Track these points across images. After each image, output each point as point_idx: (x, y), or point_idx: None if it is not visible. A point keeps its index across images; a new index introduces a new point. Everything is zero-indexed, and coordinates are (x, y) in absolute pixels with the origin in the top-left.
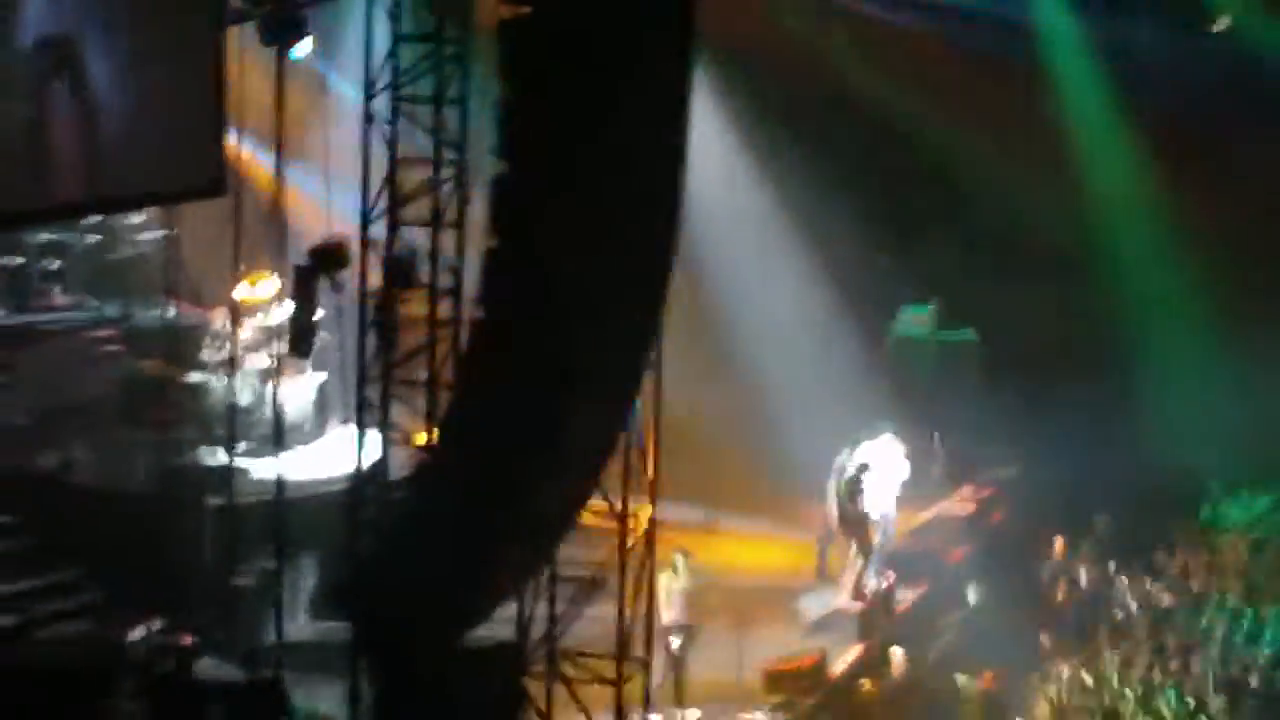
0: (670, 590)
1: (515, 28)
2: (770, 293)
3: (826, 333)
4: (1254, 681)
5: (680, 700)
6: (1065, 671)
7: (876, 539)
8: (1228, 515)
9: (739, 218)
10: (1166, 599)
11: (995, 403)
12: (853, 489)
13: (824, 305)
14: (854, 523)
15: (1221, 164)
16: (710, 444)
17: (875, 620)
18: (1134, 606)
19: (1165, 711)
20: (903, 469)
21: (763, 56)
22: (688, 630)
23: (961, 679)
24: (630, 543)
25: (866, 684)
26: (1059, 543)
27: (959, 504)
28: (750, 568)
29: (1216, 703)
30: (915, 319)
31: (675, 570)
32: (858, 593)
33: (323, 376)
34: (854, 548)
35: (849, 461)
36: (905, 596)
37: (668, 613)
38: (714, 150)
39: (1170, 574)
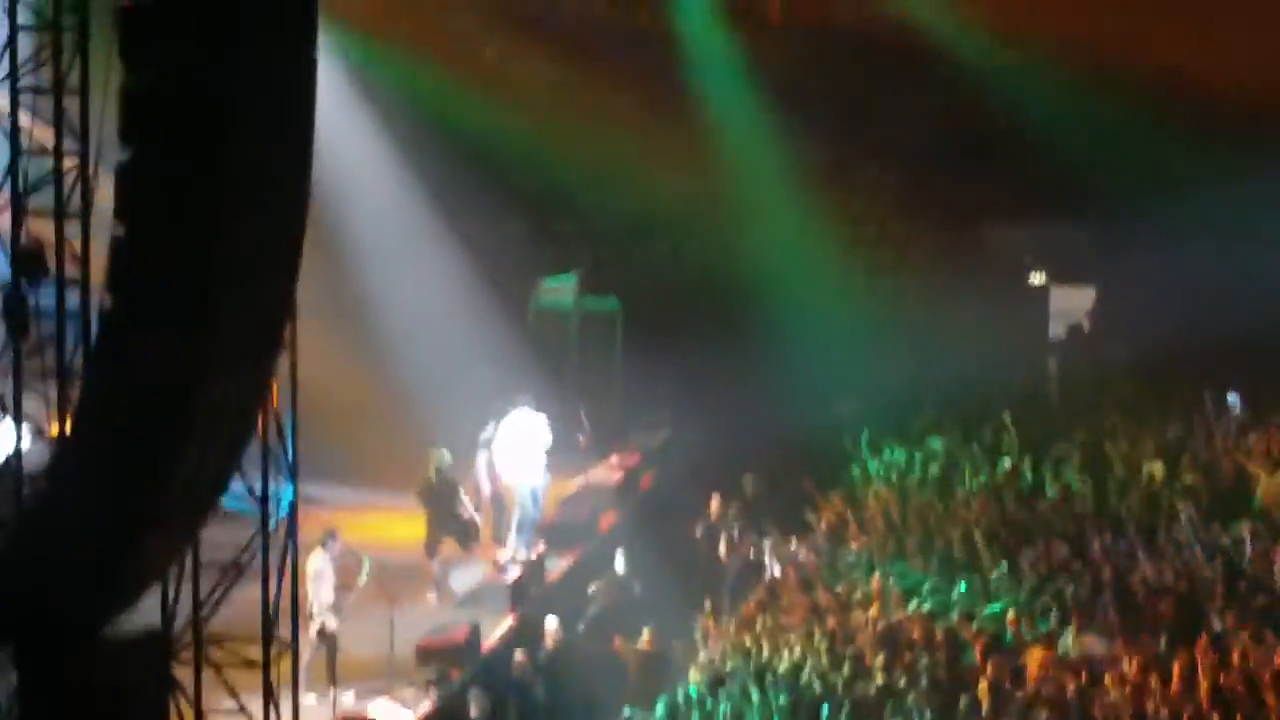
0: (318, 570)
1: (134, 14)
2: (412, 270)
3: (469, 307)
4: (915, 634)
5: (333, 680)
6: (718, 633)
7: (526, 509)
8: (873, 470)
9: (379, 199)
10: (812, 558)
11: (641, 369)
12: (490, 461)
13: (465, 280)
14: (496, 495)
15: (856, 116)
16: (357, 422)
17: (526, 590)
18: (777, 568)
19: (818, 671)
20: (544, 438)
21: (397, 37)
22: (337, 609)
23: (619, 641)
24: (272, 524)
25: (519, 654)
26: (714, 503)
27: (607, 471)
28: (399, 543)
29: (877, 659)
30: (557, 289)
31: (322, 549)
32: (504, 564)
33: None
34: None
35: (492, 434)
36: (556, 565)
37: (315, 592)
38: (350, 131)
39: (818, 532)
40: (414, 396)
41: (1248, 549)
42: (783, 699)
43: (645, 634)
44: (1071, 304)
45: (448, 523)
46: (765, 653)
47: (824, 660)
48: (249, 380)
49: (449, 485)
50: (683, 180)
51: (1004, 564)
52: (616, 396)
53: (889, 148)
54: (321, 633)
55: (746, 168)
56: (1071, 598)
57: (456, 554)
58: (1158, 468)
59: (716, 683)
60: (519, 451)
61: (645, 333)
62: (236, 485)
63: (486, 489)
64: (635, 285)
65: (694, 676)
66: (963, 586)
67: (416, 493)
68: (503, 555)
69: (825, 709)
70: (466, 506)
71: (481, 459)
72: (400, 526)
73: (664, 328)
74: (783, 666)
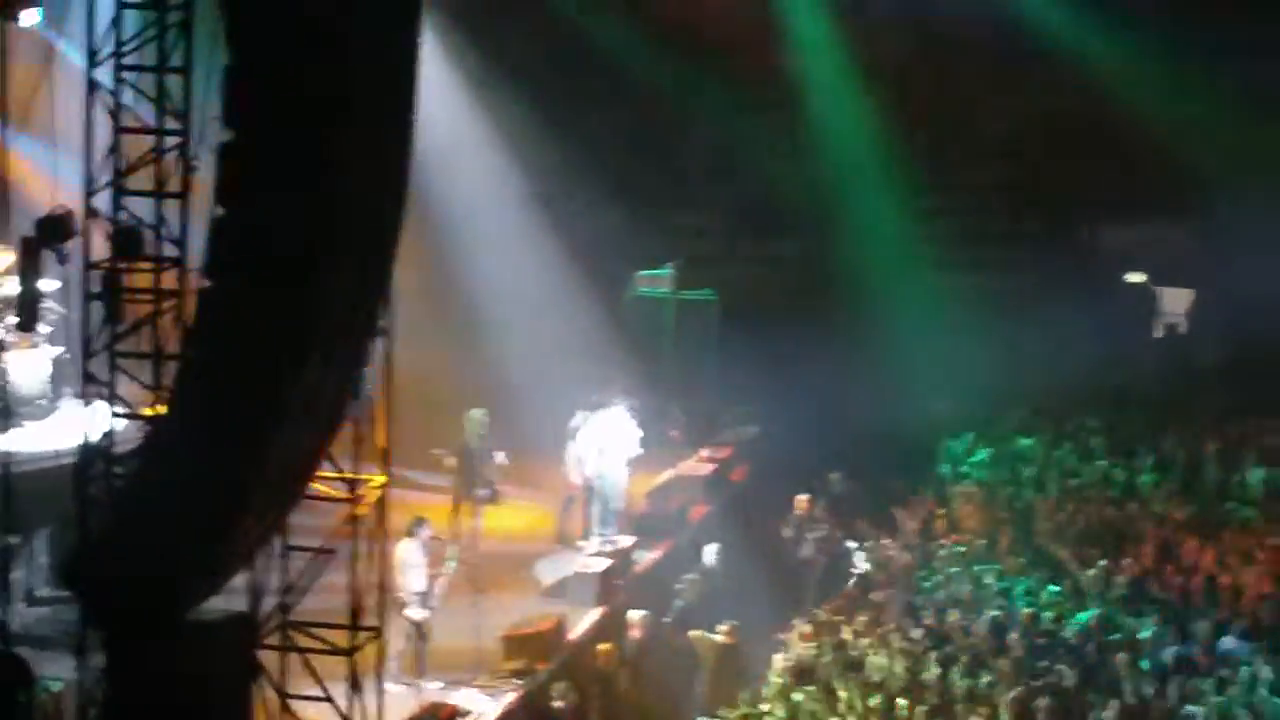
0: (406, 558)
1: None
2: (510, 258)
3: (566, 296)
4: (1014, 637)
5: (420, 669)
6: (807, 628)
7: (608, 502)
8: (963, 470)
9: (479, 184)
10: (904, 557)
11: (736, 362)
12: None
13: (562, 270)
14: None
15: (958, 114)
16: (451, 410)
17: (613, 582)
18: (867, 565)
19: (910, 669)
20: (632, 434)
21: (498, 20)
22: (426, 597)
23: (696, 634)
24: (362, 511)
25: (605, 647)
26: (802, 500)
27: (698, 464)
28: (490, 533)
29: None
30: (654, 280)
31: (411, 537)
32: (598, 549)
33: (58, 350)
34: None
35: (580, 424)
36: (644, 558)
37: (405, 580)
38: (452, 117)
39: (907, 531)
40: (510, 385)
41: None
42: (876, 698)
43: (724, 627)
44: (1169, 305)
45: (473, 484)
46: (854, 649)
47: (918, 659)
48: (344, 364)
49: (479, 447)
50: (785, 173)
51: (1095, 568)
52: (710, 389)
53: (993, 144)
54: (411, 622)
55: (848, 161)
56: (1163, 602)
57: (547, 546)
58: (1255, 475)
59: (802, 677)
60: (605, 446)
61: (741, 326)
62: (327, 469)
63: (576, 479)
64: (732, 278)
65: (776, 672)
66: (1054, 589)
67: (449, 450)
68: (588, 548)
69: (903, 704)
70: (495, 470)
71: (570, 449)
72: (490, 516)
73: (760, 321)
74: (877, 662)
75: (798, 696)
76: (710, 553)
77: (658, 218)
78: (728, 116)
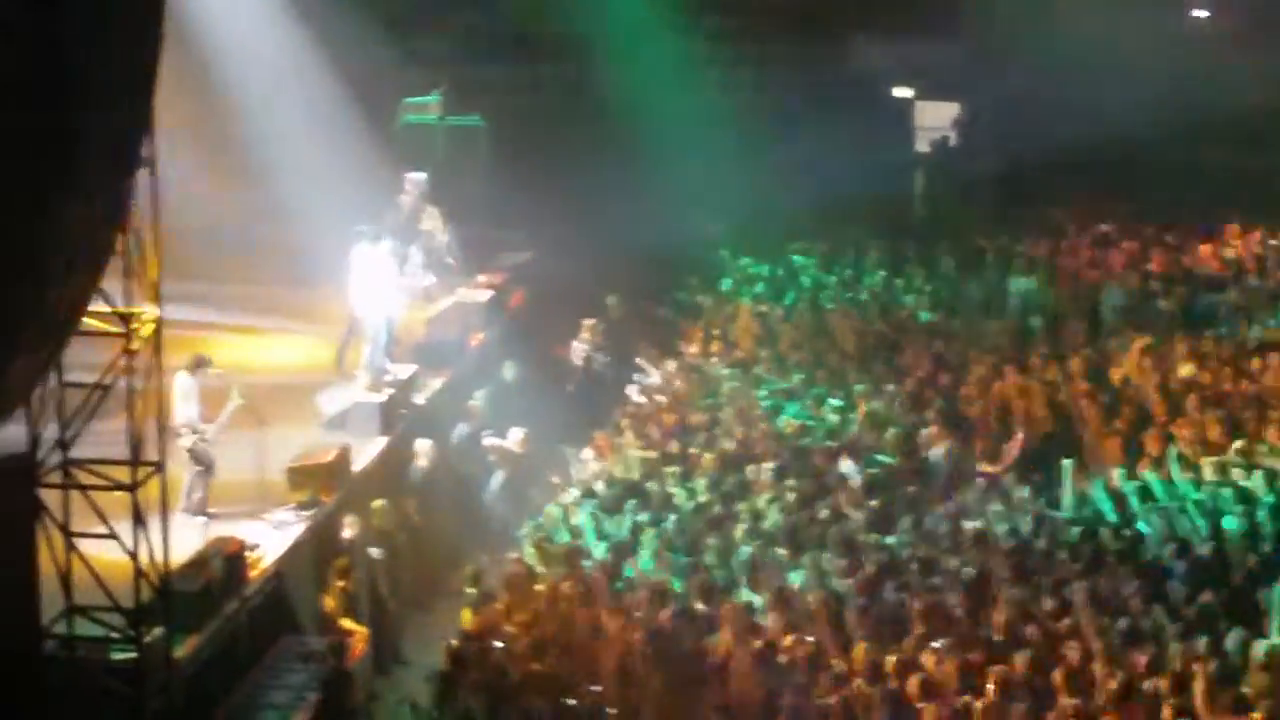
0: (185, 391)
1: None
2: (277, 88)
3: (335, 125)
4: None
5: (205, 505)
6: (595, 449)
7: (378, 339)
8: (741, 287)
9: (244, 17)
10: (682, 376)
11: (507, 187)
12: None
13: (330, 98)
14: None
15: None
16: (224, 243)
17: (395, 411)
18: (651, 383)
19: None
20: (404, 264)
21: None
22: (205, 431)
23: (491, 442)
24: (136, 346)
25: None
26: (586, 324)
27: (475, 291)
28: (267, 366)
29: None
30: (422, 107)
31: (189, 374)
32: (375, 384)
33: None
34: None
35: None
36: (428, 385)
37: (184, 412)
38: None
39: (686, 352)
40: (283, 216)
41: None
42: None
43: (518, 435)
44: (937, 119)
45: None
46: (626, 469)
47: (675, 477)
48: (105, 195)
49: None
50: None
51: (869, 380)
52: (483, 214)
53: None
54: (193, 453)
55: None
56: (939, 412)
57: (326, 377)
58: (1017, 286)
59: (586, 496)
60: (368, 280)
61: (510, 151)
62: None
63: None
64: (500, 104)
65: (568, 493)
66: (831, 406)
67: None
68: (364, 379)
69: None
70: None
71: (350, 280)
72: (268, 348)
73: (529, 146)
74: (660, 485)
75: (582, 516)
76: (509, 369)
77: (424, 43)
78: None
